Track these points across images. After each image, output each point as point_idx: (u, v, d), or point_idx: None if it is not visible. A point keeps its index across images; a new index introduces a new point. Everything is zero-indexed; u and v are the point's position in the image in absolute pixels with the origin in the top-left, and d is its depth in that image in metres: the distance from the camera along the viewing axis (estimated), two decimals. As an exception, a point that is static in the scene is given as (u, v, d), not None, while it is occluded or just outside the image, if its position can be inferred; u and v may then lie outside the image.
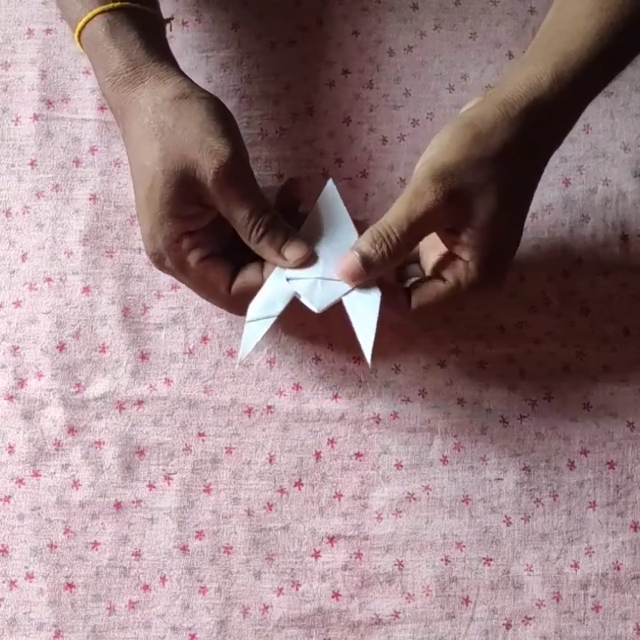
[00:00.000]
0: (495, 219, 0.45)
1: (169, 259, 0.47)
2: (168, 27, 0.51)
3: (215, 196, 0.45)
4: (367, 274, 0.46)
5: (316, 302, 0.47)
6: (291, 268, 0.47)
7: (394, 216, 0.45)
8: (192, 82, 0.47)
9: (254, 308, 0.47)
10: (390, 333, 0.56)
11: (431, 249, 0.49)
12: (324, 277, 0.47)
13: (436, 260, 0.48)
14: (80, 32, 0.48)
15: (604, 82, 0.47)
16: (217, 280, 0.48)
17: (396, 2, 0.59)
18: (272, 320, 0.47)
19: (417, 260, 0.51)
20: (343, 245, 0.47)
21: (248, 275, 0.48)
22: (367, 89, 0.58)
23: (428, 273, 0.49)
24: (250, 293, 0.48)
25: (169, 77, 0.46)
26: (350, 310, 0.47)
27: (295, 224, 0.49)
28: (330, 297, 0.47)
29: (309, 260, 0.47)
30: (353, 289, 0.47)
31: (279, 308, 0.47)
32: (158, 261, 0.48)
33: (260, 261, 0.48)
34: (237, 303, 0.48)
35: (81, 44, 0.48)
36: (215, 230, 0.48)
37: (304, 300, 0.47)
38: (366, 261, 0.46)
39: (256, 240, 0.46)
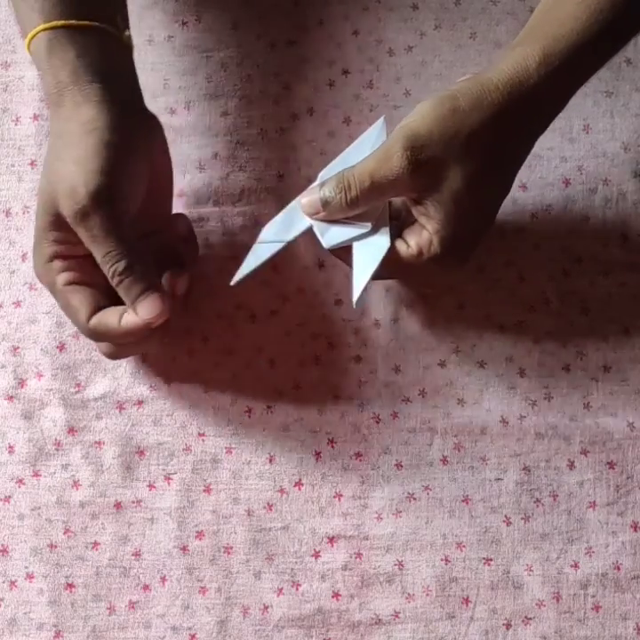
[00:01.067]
0: (460, 196, 0.45)
1: (42, 277, 0.48)
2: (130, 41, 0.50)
3: (75, 228, 0.45)
4: (324, 212, 0.47)
5: (326, 238, 0.48)
6: (146, 324, 0.46)
7: (360, 168, 0.46)
8: (110, 106, 0.46)
9: (267, 231, 0.48)
10: (390, 333, 0.56)
11: (403, 204, 0.49)
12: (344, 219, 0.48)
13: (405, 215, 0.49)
14: (28, 48, 0.47)
15: (593, 69, 0.47)
16: (78, 307, 0.47)
17: (395, 2, 0.59)
18: (280, 245, 0.48)
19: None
20: None
21: (108, 315, 0.47)
22: (367, 89, 0.58)
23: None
24: (105, 332, 0.47)
25: (85, 103, 0.45)
26: (356, 251, 0.48)
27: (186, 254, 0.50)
28: (341, 236, 0.48)
29: None
30: (366, 233, 0.48)
31: (291, 234, 0.48)
32: (38, 276, 0.49)
33: (125, 306, 0.47)
34: (95, 337, 0.48)
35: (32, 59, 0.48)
36: (94, 265, 0.47)
37: (316, 232, 0.48)
38: (324, 202, 0.47)
39: (114, 285, 0.46)
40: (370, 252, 0.47)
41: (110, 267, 0.45)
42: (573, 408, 0.55)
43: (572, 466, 0.55)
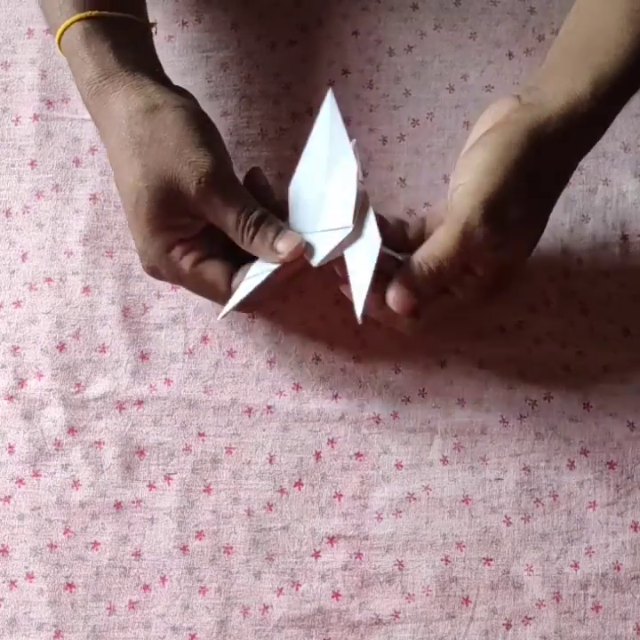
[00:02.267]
0: (520, 245, 0.46)
1: (163, 269, 0.48)
2: (154, 30, 0.51)
3: (201, 206, 0.45)
4: (416, 300, 0.45)
5: (314, 257, 0.47)
6: (286, 260, 0.46)
7: (442, 248, 0.44)
8: (166, 90, 0.47)
9: (255, 266, 0.47)
10: (390, 333, 0.55)
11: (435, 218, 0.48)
12: (324, 229, 0.47)
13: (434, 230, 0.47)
14: (59, 39, 0.48)
15: (632, 94, 0.47)
16: (214, 279, 0.47)
17: (395, 2, 0.59)
18: (267, 274, 0.46)
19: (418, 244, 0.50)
20: (345, 186, 0.46)
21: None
22: (367, 89, 0.58)
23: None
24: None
25: (141, 87, 0.46)
26: (348, 259, 0.46)
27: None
28: (327, 248, 0.46)
29: (309, 204, 0.47)
30: (351, 234, 0.46)
31: (269, 269, 0.47)
32: (153, 274, 0.49)
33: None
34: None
35: (62, 51, 0.48)
36: (208, 235, 0.48)
37: (304, 255, 0.47)
38: (418, 293, 0.45)
39: (248, 241, 0.46)
40: (362, 258, 0.45)
41: (246, 220, 0.46)
42: (573, 408, 0.55)
43: (572, 466, 0.55)
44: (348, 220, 0.46)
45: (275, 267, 0.47)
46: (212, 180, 0.45)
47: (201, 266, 0.47)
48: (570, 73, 0.46)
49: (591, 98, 0.45)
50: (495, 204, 0.43)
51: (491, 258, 0.45)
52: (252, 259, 0.48)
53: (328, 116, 0.48)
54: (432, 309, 0.47)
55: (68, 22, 0.47)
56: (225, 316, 0.48)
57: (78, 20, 0.46)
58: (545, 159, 0.45)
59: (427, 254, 0.45)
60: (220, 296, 0.48)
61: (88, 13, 0.46)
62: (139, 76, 0.47)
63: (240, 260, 0.48)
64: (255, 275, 0.47)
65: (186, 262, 0.47)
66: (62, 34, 0.47)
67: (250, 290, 0.46)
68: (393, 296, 0.45)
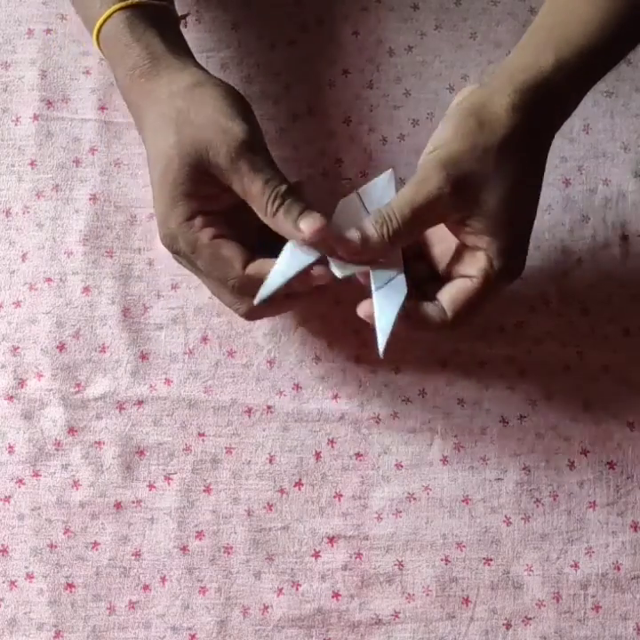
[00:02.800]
0: (506, 204, 0.45)
1: (181, 238, 0.46)
2: (182, 23, 0.52)
3: (230, 172, 0.45)
4: (363, 253, 0.45)
5: (340, 268, 0.46)
6: (306, 240, 0.45)
7: (398, 200, 0.45)
8: (207, 72, 0.48)
9: (280, 263, 0.46)
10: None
11: (439, 243, 0.48)
12: None
13: (449, 254, 0.47)
14: (99, 29, 0.48)
15: (605, 69, 0.47)
16: (231, 257, 0.46)
17: (395, 2, 0.59)
18: (297, 270, 0.46)
19: (417, 255, 0.50)
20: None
21: (266, 263, 0.46)
22: (367, 89, 0.58)
23: (440, 268, 0.48)
24: (261, 282, 0.46)
25: (185, 68, 0.47)
26: (376, 300, 0.46)
27: None
28: (353, 266, 0.46)
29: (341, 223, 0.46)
30: (381, 273, 0.46)
31: (304, 264, 0.46)
32: (170, 244, 0.47)
33: None
34: (249, 286, 0.47)
35: (99, 43, 0.49)
36: (235, 219, 0.47)
37: (331, 262, 0.46)
38: (365, 240, 0.45)
39: (272, 212, 0.45)
40: (389, 300, 0.46)
41: (273, 190, 0.45)
42: (573, 408, 0.55)
43: (572, 466, 0.55)
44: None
45: (306, 263, 0.46)
46: (243, 147, 0.45)
47: (219, 241, 0.46)
48: (534, 47, 0.46)
49: (555, 69, 0.45)
50: (449, 157, 0.44)
51: (472, 225, 0.45)
52: (270, 254, 0.47)
53: (383, 185, 0.48)
54: (458, 303, 0.46)
55: (109, 12, 0.48)
56: (261, 302, 0.46)
57: (120, 8, 0.48)
58: (510, 126, 0.44)
59: (386, 204, 0.45)
60: (233, 276, 0.47)
61: (129, 2, 0.47)
62: (182, 58, 0.48)
63: (259, 251, 0.47)
64: (282, 268, 0.46)
65: (205, 234, 0.46)
66: (103, 24, 0.48)
67: (282, 281, 0.46)
68: (343, 237, 0.45)
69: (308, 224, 0.44)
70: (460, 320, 0.46)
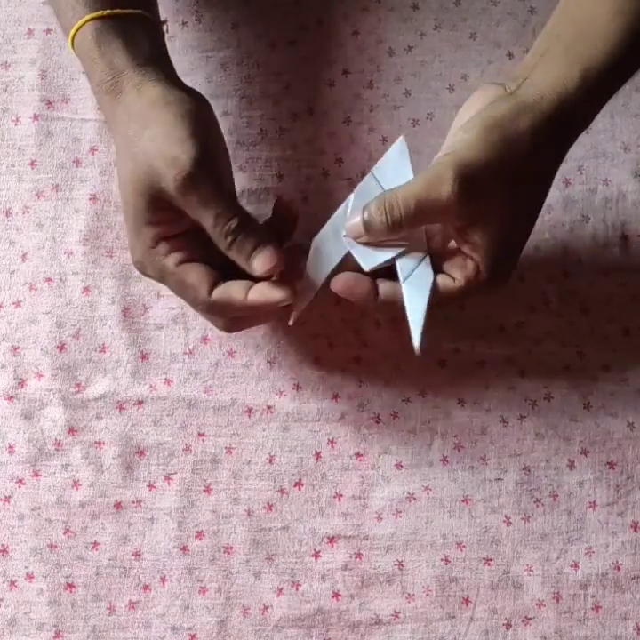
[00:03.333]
0: (508, 226, 0.45)
1: (148, 266, 0.47)
2: (165, 28, 0.51)
3: (181, 203, 0.45)
4: (366, 235, 0.46)
5: (365, 261, 0.47)
6: (260, 276, 0.46)
7: (406, 191, 0.44)
8: (169, 85, 0.47)
9: (310, 263, 0.47)
10: (390, 333, 0.56)
11: (439, 232, 0.48)
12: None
13: (442, 245, 0.48)
14: (73, 39, 0.48)
15: (619, 86, 0.47)
16: (197, 282, 0.46)
17: (395, 2, 0.59)
18: (325, 275, 0.47)
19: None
20: None
21: (233, 287, 0.46)
22: (367, 89, 0.58)
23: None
24: (229, 307, 0.47)
25: (146, 83, 0.46)
26: (405, 290, 0.46)
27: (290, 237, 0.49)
28: (379, 258, 0.47)
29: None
30: (402, 252, 0.46)
31: (334, 262, 0.47)
32: (142, 270, 0.48)
33: (250, 281, 0.47)
34: (216, 311, 0.47)
35: (75, 51, 0.48)
36: (194, 238, 0.47)
37: (356, 256, 0.47)
38: (367, 224, 0.45)
39: (226, 247, 0.46)
40: (417, 289, 0.46)
41: (223, 226, 0.45)
42: (573, 408, 0.55)
43: (572, 466, 0.55)
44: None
45: (338, 258, 0.47)
46: (189, 179, 0.44)
47: (185, 266, 0.47)
48: (558, 63, 0.46)
49: (579, 91, 0.45)
50: (468, 164, 0.44)
51: (471, 235, 0.45)
52: (236, 269, 0.47)
53: (397, 154, 0.48)
54: (434, 298, 0.47)
55: (80, 23, 0.47)
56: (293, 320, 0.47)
57: (90, 19, 0.47)
58: (529, 148, 0.44)
59: (393, 190, 0.45)
60: (200, 302, 0.47)
61: (100, 13, 0.47)
62: (144, 72, 0.47)
63: (227, 267, 0.47)
64: (315, 269, 0.47)
65: (171, 260, 0.46)
66: (74, 34, 0.47)
67: (319, 282, 0.47)
68: (350, 218, 0.46)
69: (260, 262, 0.45)
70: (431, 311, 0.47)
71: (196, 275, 0.47)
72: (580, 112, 0.46)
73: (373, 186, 0.47)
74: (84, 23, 0.47)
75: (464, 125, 0.46)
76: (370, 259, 0.47)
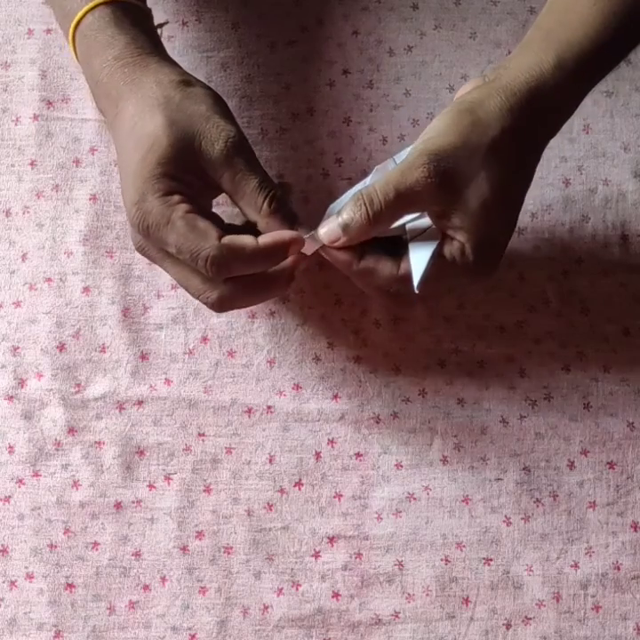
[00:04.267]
0: (488, 205, 0.45)
1: (155, 211, 0.44)
2: (159, 31, 0.51)
3: (224, 167, 0.45)
4: (345, 237, 0.45)
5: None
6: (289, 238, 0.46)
7: (383, 182, 0.45)
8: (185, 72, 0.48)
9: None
10: (390, 333, 0.56)
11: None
12: None
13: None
14: (78, 22, 0.47)
15: (605, 71, 0.47)
16: (206, 228, 0.44)
17: (395, 2, 0.59)
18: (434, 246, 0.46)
19: None
20: None
21: (242, 236, 0.45)
22: (367, 89, 0.58)
23: None
24: (240, 254, 0.44)
25: (174, 67, 0.48)
26: (411, 250, 0.46)
27: None
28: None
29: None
30: (414, 219, 0.47)
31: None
32: (140, 222, 0.45)
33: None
34: (222, 265, 0.44)
35: (74, 38, 0.48)
36: (205, 208, 0.46)
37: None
38: (345, 225, 0.45)
39: (268, 213, 0.45)
40: (424, 245, 0.46)
41: (269, 193, 0.45)
42: (573, 408, 0.55)
43: (572, 466, 0.55)
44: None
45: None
46: (238, 145, 0.45)
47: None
48: (536, 49, 0.46)
49: (555, 71, 0.45)
50: (439, 149, 0.44)
51: (452, 219, 0.45)
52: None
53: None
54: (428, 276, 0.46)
55: (92, 4, 0.47)
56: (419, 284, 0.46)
57: (103, 3, 0.47)
58: (503, 129, 0.45)
59: (368, 186, 0.45)
60: (208, 245, 0.44)
61: None
62: (169, 60, 0.48)
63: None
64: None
65: (180, 208, 0.44)
66: (84, 16, 0.47)
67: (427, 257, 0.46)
68: (324, 226, 0.46)
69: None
70: (407, 292, 0.46)
71: (205, 223, 0.45)
72: (557, 94, 0.46)
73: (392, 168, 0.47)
74: (96, 6, 0.47)
75: (439, 115, 0.46)
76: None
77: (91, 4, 0.47)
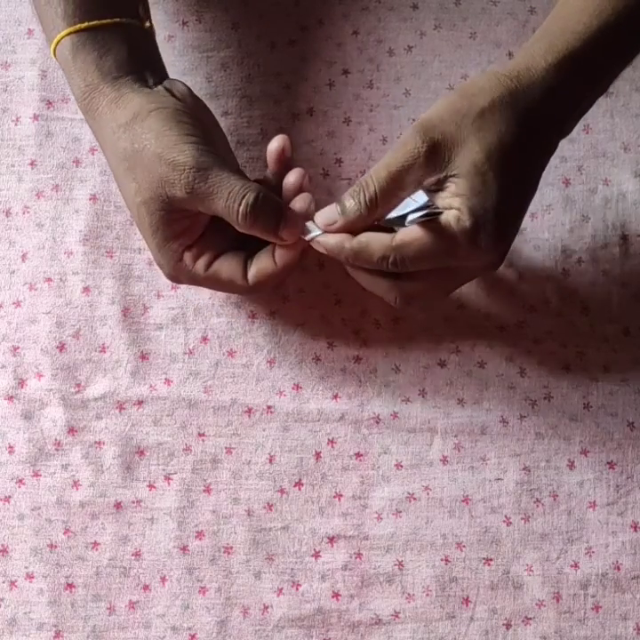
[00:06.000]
0: (482, 167, 0.44)
1: (181, 277, 0.49)
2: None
3: (193, 202, 0.45)
4: (340, 222, 0.46)
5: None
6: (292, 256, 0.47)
7: (375, 167, 0.46)
8: (147, 94, 0.47)
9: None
10: (390, 333, 0.56)
11: None
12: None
13: None
14: (54, 53, 0.48)
15: (605, 67, 0.47)
16: (231, 276, 0.48)
17: (395, 2, 0.59)
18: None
19: None
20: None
21: (261, 262, 0.48)
22: (367, 89, 0.58)
23: None
24: (267, 279, 0.48)
25: (121, 98, 0.46)
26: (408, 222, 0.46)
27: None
28: (400, 210, 0.46)
29: None
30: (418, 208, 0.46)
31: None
32: (175, 281, 0.50)
33: (272, 245, 0.48)
34: (259, 289, 0.49)
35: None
36: (215, 229, 0.48)
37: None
38: (343, 209, 0.46)
39: (250, 223, 0.45)
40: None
41: (238, 207, 0.45)
42: (573, 408, 0.55)
43: (572, 466, 0.55)
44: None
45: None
46: (194, 174, 0.44)
47: (215, 266, 0.48)
48: (533, 45, 0.47)
49: (545, 54, 0.46)
50: (426, 121, 0.45)
51: (448, 186, 0.45)
52: (258, 245, 0.48)
53: None
54: (425, 252, 0.46)
55: (58, 37, 0.47)
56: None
57: (68, 34, 0.46)
58: (492, 99, 0.45)
59: (371, 170, 0.46)
60: (239, 290, 0.49)
61: (77, 27, 0.46)
62: (119, 85, 0.47)
63: (253, 246, 0.49)
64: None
65: (199, 267, 0.48)
66: (55, 48, 0.47)
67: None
68: (321, 212, 0.47)
69: (288, 233, 0.46)
70: (403, 265, 0.45)
71: (227, 269, 0.48)
72: (552, 77, 0.46)
73: None
74: (62, 37, 0.47)
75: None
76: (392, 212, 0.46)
77: (57, 37, 0.47)
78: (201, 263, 0.48)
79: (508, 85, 0.45)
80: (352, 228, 0.46)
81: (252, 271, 0.48)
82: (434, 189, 0.46)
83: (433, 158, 0.45)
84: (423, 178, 0.45)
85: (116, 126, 0.46)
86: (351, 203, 0.46)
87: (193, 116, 0.47)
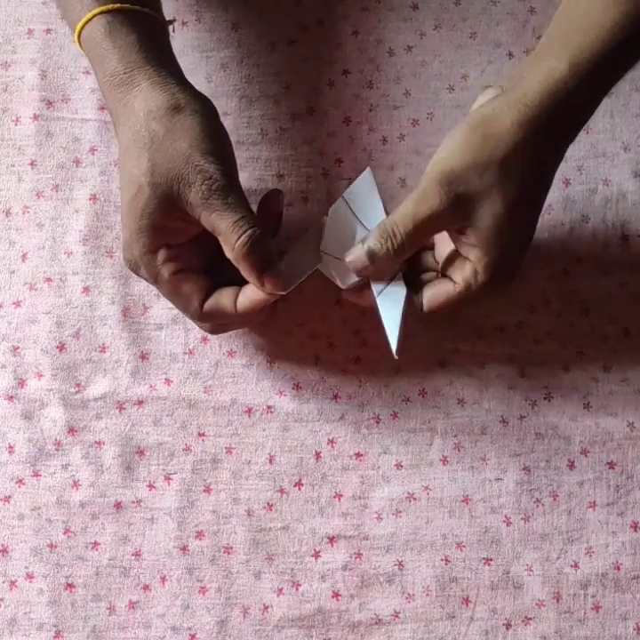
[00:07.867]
0: (501, 222, 0.45)
1: (143, 267, 0.47)
2: (170, 28, 0.51)
3: (200, 209, 0.45)
4: (371, 266, 0.47)
5: (341, 279, 0.49)
6: (269, 293, 0.47)
7: (401, 214, 0.46)
8: (189, 92, 0.47)
9: (287, 264, 0.49)
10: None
11: (444, 240, 0.49)
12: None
13: (446, 254, 0.49)
14: (80, 32, 0.47)
15: (619, 75, 0.47)
16: (190, 294, 0.48)
17: (395, 2, 0.59)
18: (295, 284, 0.49)
19: (431, 247, 0.51)
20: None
21: (223, 297, 0.48)
22: (367, 89, 0.58)
23: (440, 265, 0.49)
24: (220, 316, 0.48)
25: (165, 85, 0.46)
26: (380, 304, 0.48)
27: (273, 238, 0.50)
28: (355, 276, 0.49)
29: (342, 233, 0.49)
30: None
31: (305, 273, 0.50)
32: (133, 269, 0.48)
33: (237, 287, 0.48)
34: (208, 321, 0.49)
35: (81, 45, 0.48)
36: (197, 247, 0.48)
37: (333, 274, 0.50)
38: (371, 255, 0.47)
39: (243, 254, 0.46)
40: (392, 300, 0.48)
41: (244, 232, 0.45)
42: (573, 408, 0.55)
43: (572, 466, 0.55)
44: None
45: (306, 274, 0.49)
46: (215, 187, 0.45)
47: (180, 276, 0.47)
48: (548, 56, 0.46)
49: (569, 79, 0.45)
50: (451, 173, 0.45)
51: (468, 236, 0.46)
52: (231, 281, 0.48)
53: (365, 185, 0.50)
54: (435, 300, 0.48)
55: (89, 15, 0.47)
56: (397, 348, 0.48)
57: (100, 12, 0.47)
58: (516, 143, 0.45)
59: (388, 218, 0.47)
60: (190, 312, 0.48)
61: (110, 6, 0.46)
62: (164, 73, 0.47)
63: (222, 277, 0.49)
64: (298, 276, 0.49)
65: (166, 268, 0.47)
66: (83, 27, 0.47)
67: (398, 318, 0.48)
68: (350, 254, 0.48)
69: (272, 284, 0.46)
70: (434, 316, 0.48)
71: (189, 286, 0.48)
72: (574, 100, 0.45)
73: (345, 210, 0.50)
74: (93, 16, 0.47)
75: (451, 131, 0.47)
76: (346, 277, 0.49)
77: (88, 16, 0.47)
78: (170, 266, 0.47)
79: (532, 122, 0.45)
80: (377, 272, 0.48)
81: (210, 302, 0.48)
82: (456, 232, 0.47)
83: (457, 211, 0.45)
84: (446, 227, 0.47)
85: (156, 107, 0.45)
86: (380, 249, 0.46)
87: (221, 129, 0.48)
